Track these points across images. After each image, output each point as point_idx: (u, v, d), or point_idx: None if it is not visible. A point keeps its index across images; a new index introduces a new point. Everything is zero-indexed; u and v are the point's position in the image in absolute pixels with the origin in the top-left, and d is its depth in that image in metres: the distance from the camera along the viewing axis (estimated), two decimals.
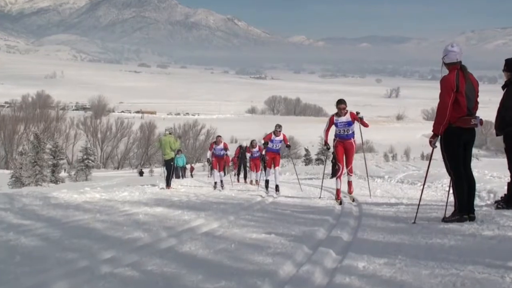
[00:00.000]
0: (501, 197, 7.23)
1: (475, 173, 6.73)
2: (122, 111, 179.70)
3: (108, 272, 4.44)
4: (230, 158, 23.67)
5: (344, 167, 10.27)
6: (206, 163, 19.05)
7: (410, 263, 4.23)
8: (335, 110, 10.26)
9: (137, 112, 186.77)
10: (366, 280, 3.84)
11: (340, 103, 10.11)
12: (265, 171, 16.62)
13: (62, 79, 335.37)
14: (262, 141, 14.87)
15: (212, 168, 18.64)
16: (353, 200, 9.89)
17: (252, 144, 19.27)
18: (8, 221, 7.54)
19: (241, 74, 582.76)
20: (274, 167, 14.04)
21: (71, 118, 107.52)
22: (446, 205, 6.60)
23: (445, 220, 6.25)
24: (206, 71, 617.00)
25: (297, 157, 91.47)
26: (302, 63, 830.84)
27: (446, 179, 9.69)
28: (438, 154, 6.60)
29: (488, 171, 13.45)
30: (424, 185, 7.72)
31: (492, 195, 8.16)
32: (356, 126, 10.24)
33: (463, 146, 6.23)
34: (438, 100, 6.18)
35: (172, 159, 17.35)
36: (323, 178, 12.80)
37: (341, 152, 10.25)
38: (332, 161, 21.73)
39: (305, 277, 4.04)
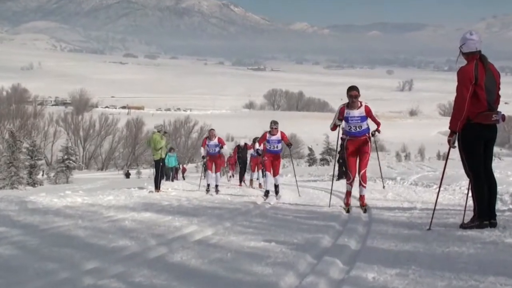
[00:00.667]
0: None
1: (496, 175, 6.73)
2: (107, 107, 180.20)
3: (92, 284, 4.43)
4: (226, 159, 23.66)
5: (356, 174, 9.19)
6: (200, 163, 18.09)
7: (425, 273, 4.23)
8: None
9: (123, 107, 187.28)
10: None
11: (352, 89, 9.01)
12: (263, 175, 16.48)
13: (40, 70, 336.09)
14: (257, 146, 13.60)
15: (206, 169, 17.27)
16: (365, 211, 8.80)
17: (255, 140, 19.14)
18: None
19: (238, 65, 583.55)
20: (274, 175, 13.17)
21: (50, 114, 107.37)
22: (465, 210, 6.60)
23: (463, 226, 6.25)
24: (199, 62, 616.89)
25: (299, 157, 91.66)
26: (305, 53, 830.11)
27: (465, 181, 9.69)
28: (455, 153, 6.60)
29: (511, 172, 13.48)
30: (440, 187, 7.68)
31: None
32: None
33: (483, 145, 6.22)
34: (455, 94, 6.18)
35: (162, 160, 17.28)
36: (332, 182, 11.64)
37: (353, 157, 9.17)
38: (338, 161, 21.73)
39: None
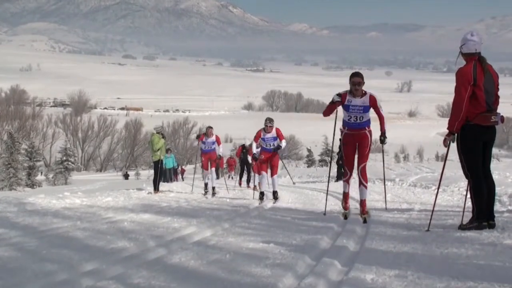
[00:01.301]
0: None
1: (495, 176, 6.75)
2: (105, 108, 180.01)
3: (90, 286, 4.43)
4: (225, 159, 23.58)
5: (354, 171, 8.36)
6: (198, 164, 17.22)
7: (424, 275, 4.23)
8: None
9: (122, 108, 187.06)
10: None
11: (356, 75, 7.90)
12: (248, 175, 16.09)
13: (39, 72, 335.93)
14: (254, 145, 13.11)
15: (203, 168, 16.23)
16: (365, 221, 7.74)
17: (251, 145, 18.86)
18: None
19: (237, 66, 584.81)
20: (272, 175, 12.47)
21: (49, 116, 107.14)
22: (463, 211, 6.60)
23: (462, 227, 6.25)
24: (197, 63, 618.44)
25: (298, 158, 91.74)
26: (304, 53, 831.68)
27: (463, 182, 9.72)
28: (454, 155, 6.61)
29: (509, 173, 13.50)
30: (438, 189, 7.70)
31: None
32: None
33: (482, 146, 6.24)
34: (454, 95, 6.18)
35: (161, 161, 17.26)
36: (328, 184, 10.58)
37: (351, 153, 8.23)
38: (337, 163, 21.68)
39: None
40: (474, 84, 5.98)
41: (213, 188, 15.46)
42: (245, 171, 21.68)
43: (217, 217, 8.84)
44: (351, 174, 8.30)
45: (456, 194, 10.50)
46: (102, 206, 11.33)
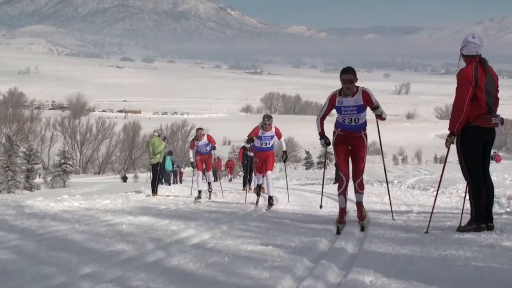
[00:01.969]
0: None
1: (493, 177, 6.74)
2: (104, 111, 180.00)
3: None
4: (222, 162, 23.46)
5: (350, 179, 7.52)
6: (191, 168, 16.44)
7: (422, 277, 4.23)
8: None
9: (120, 111, 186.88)
10: None
11: (346, 72, 7.07)
12: (250, 177, 15.96)
13: (37, 75, 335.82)
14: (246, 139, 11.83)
15: (196, 170, 15.24)
16: (363, 229, 7.10)
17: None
18: None
19: (235, 68, 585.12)
20: (265, 171, 11.81)
21: (47, 118, 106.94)
22: (462, 213, 6.61)
23: (460, 229, 6.25)
24: (196, 65, 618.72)
25: (296, 160, 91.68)
26: (302, 56, 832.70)
27: (462, 184, 9.71)
28: (453, 156, 6.61)
29: (508, 175, 13.49)
30: (437, 190, 7.70)
31: None
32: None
33: (481, 148, 6.24)
34: (453, 97, 6.18)
35: (159, 164, 17.24)
36: (322, 188, 9.52)
37: (343, 155, 7.48)
38: (336, 164, 21.60)
39: None
40: (475, 85, 5.98)
41: (199, 191, 14.51)
42: (247, 174, 21.32)
43: (216, 220, 8.82)
44: (347, 183, 7.44)
45: (454, 196, 10.49)
46: (100, 209, 11.31)
